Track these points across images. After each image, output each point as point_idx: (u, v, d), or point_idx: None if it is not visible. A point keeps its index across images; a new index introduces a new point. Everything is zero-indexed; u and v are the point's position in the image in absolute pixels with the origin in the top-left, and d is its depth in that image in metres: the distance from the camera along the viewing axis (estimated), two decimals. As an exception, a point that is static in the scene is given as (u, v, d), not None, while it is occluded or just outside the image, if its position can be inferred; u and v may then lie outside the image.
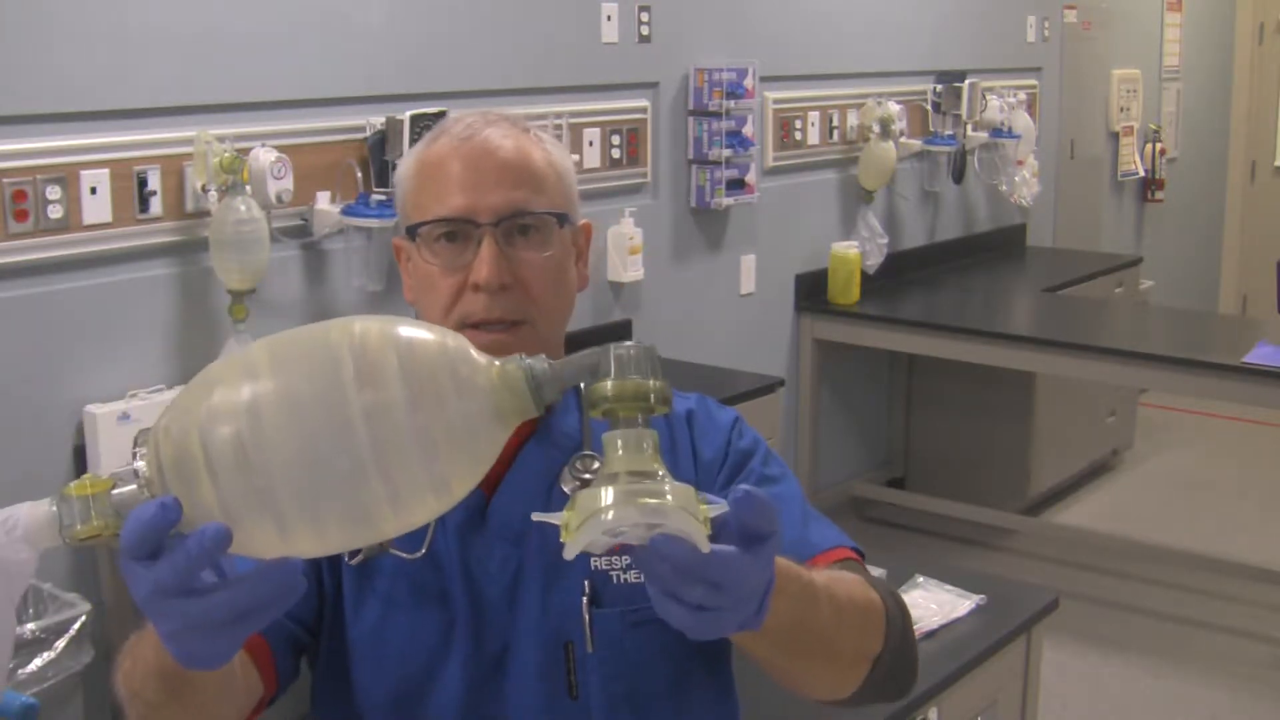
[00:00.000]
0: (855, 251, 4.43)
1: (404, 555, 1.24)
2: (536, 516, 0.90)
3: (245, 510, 0.82)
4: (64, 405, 2.64)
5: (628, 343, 0.89)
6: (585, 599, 1.22)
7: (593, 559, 1.22)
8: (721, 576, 0.87)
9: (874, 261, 4.54)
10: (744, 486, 0.88)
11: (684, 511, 0.83)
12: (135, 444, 0.86)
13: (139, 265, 2.73)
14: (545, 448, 1.28)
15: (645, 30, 3.78)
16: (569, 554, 0.84)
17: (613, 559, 1.23)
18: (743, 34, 4.09)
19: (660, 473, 0.85)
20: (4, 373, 2.55)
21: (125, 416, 2.64)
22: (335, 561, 1.28)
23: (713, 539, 0.85)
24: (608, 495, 0.83)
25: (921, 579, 2.24)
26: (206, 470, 0.82)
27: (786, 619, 1.02)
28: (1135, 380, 4.58)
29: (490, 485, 1.27)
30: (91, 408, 2.63)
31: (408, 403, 0.83)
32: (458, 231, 1.24)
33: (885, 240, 4.59)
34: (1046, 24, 5.60)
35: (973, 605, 2.16)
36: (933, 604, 2.16)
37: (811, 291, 4.46)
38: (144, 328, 2.75)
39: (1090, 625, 3.98)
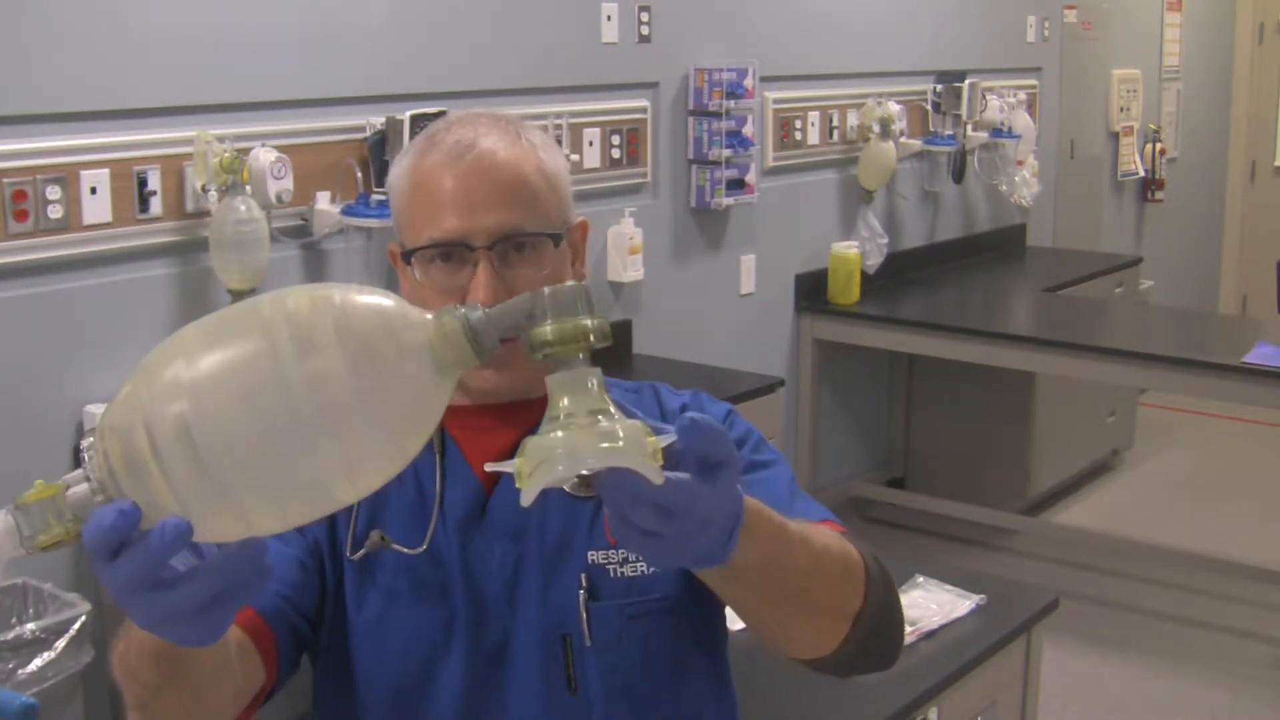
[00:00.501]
0: (855, 251, 4.43)
1: (405, 550, 1.25)
2: (489, 466, 0.91)
3: (201, 499, 0.81)
4: (64, 405, 2.64)
5: (561, 285, 0.89)
6: (583, 592, 1.23)
7: (590, 553, 1.24)
8: (673, 502, 0.87)
9: (874, 261, 4.54)
10: (690, 414, 0.88)
11: (633, 450, 0.84)
12: (81, 444, 0.84)
13: (139, 265, 2.73)
14: None
15: (645, 30, 3.78)
16: (525, 500, 0.84)
17: (609, 553, 1.24)
18: (743, 34, 4.09)
19: (608, 409, 0.86)
20: (4, 373, 2.55)
21: (125, 416, 2.64)
22: (337, 555, 1.28)
23: (670, 469, 0.86)
24: (557, 440, 0.83)
25: (921, 579, 2.24)
26: (155, 463, 0.81)
27: (758, 559, 1.01)
28: (1135, 380, 4.59)
29: (491, 481, 1.27)
30: (91, 408, 2.63)
31: (347, 367, 0.82)
32: (453, 253, 1.23)
33: (885, 240, 4.59)
34: (1046, 24, 5.60)
35: (973, 605, 2.16)
36: (933, 604, 2.16)
37: (811, 291, 4.46)
38: (144, 328, 2.75)
39: (1090, 625, 3.98)
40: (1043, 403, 4.73)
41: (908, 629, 2.05)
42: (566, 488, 0.88)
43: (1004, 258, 5.41)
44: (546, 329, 0.87)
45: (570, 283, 0.89)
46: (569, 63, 3.58)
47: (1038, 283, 5.00)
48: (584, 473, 0.86)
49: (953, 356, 4.32)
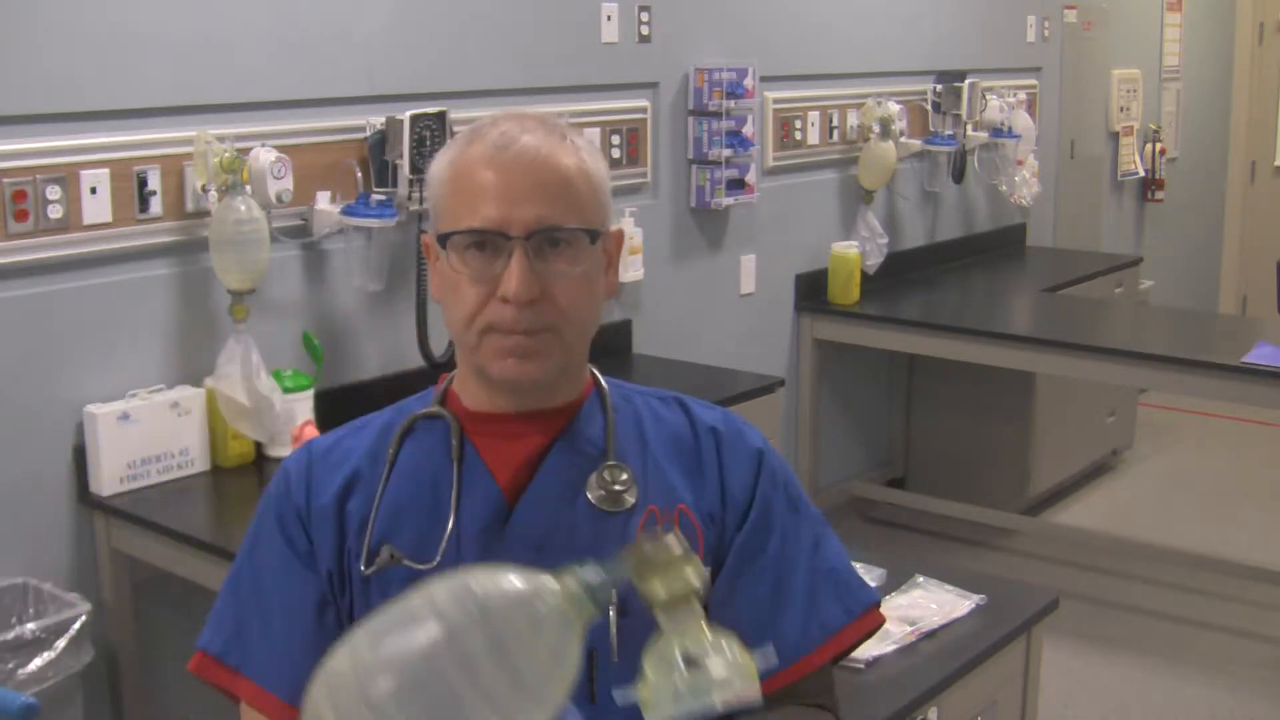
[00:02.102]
0: (855, 251, 4.43)
1: (416, 566, 1.25)
2: (617, 694, 1.03)
3: None
4: (64, 405, 2.64)
5: (655, 537, 1.03)
6: (612, 608, 1.21)
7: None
8: None
9: (874, 261, 4.54)
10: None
11: (729, 678, 1.00)
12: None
13: (139, 265, 2.73)
14: (570, 455, 1.27)
15: (645, 30, 3.78)
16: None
17: None
18: (743, 34, 4.09)
19: (711, 641, 1.01)
20: (4, 373, 2.55)
21: (125, 416, 2.64)
22: (345, 573, 1.28)
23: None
24: (671, 682, 1.00)
25: (921, 579, 2.23)
26: None
27: None
28: (1135, 380, 4.59)
29: (514, 493, 1.27)
30: (91, 408, 2.63)
31: (492, 645, 0.94)
32: (488, 242, 1.23)
33: (885, 240, 4.59)
34: (1046, 24, 5.60)
35: (973, 605, 2.16)
36: (933, 604, 2.15)
37: (811, 291, 4.46)
38: (144, 328, 2.75)
39: (1090, 625, 3.98)
40: (1043, 403, 4.73)
41: (908, 629, 2.06)
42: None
43: (1004, 258, 5.41)
44: (661, 591, 1.02)
45: (662, 534, 1.03)
46: (569, 63, 3.58)
47: (1038, 283, 5.00)
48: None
49: (953, 356, 4.32)
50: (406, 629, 0.96)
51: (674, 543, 1.03)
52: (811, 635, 1.28)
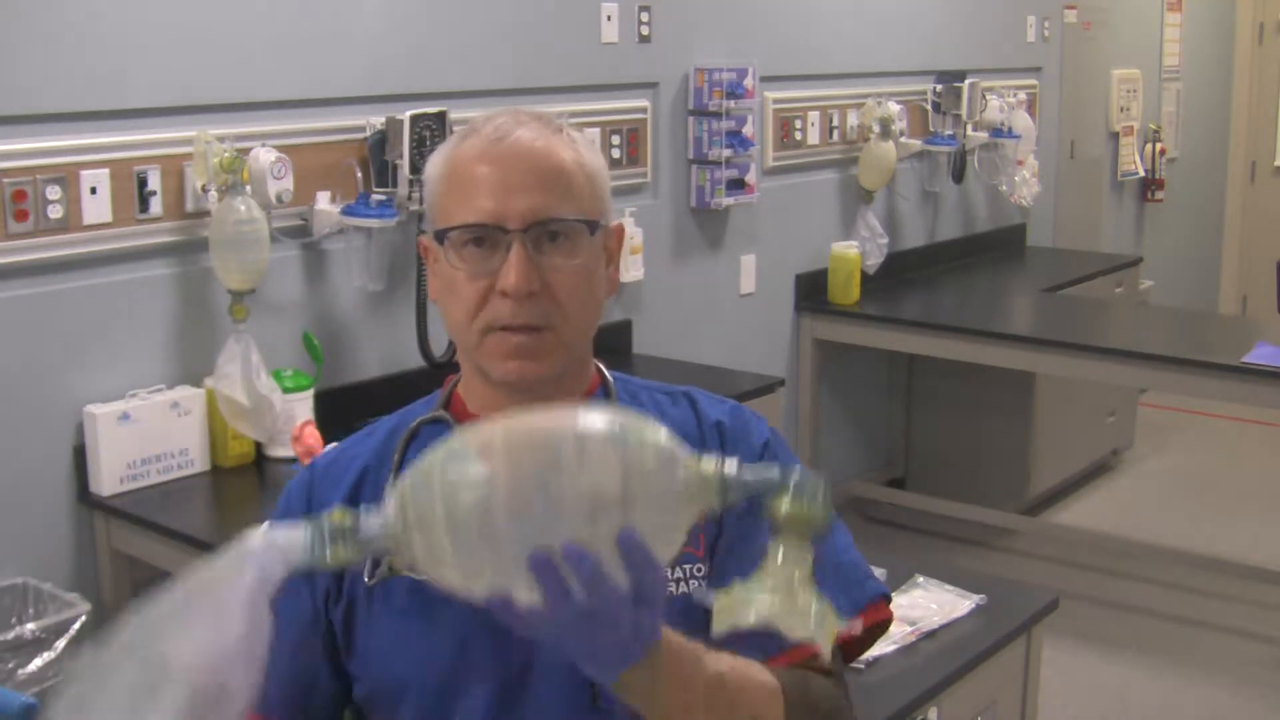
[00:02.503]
0: (855, 251, 4.43)
1: (416, 575, 1.23)
2: (699, 595, 1.10)
3: (473, 563, 0.98)
4: (64, 405, 2.64)
5: (807, 470, 1.02)
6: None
7: None
8: (598, 609, 0.97)
9: (874, 261, 4.54)
10: (630, 534, 0.97)
11: (812, 627, 1.00)
12: (386, 493, 1.03)
13: (139, 265, 2.73)
14: None
15: (645, 30, 3.78)
16: (715, 632, 1.02)
17: None
18: (743, 34, 4.09)
19: (803, 593, 1.01)
20: (4, 373, 2.55)
21: (125, 416, 2.64)
22: (342, 585, 1.28)
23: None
24: (756, 602, 1.00)
25: (921, 579, 2.24)
26: (447, 530, 0.97)
27: (646, 690, 1.07)
28: (1135, 380, 4.59)
29: None
30: (91, 408, 2.63)
31: (619, 480, 0.97)
32: (486, 237, 1.21)
33: (885, 240, 4.59)
34: (1046, 24, 5.60)
35: (973, 605, 2.16)
36: (933, 604, 2.16)
37: (811, 291, 4.46)
38: (144, 328, 2.75)
39: (1090, 625, 3.98)
40: (1043, 403, 4.72)
41: (908, 629, 2.06)
42: None
43: (1004, 258, 5.41)
44: (783, 506, 1.01)
45: (818, 473, 1.02)
46: (569, 63, 3.58)
47: (1038, 283, 5.00)
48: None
49: (953, 356, 4.32)
50: (544, 444, 0.98)
51: (821, 481, 1.03)
52: None
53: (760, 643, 1.15)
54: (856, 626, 1.27)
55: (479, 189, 1.21)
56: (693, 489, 1.00)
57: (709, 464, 1.01)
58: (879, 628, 1.35)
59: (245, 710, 0.99)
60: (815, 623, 1.00)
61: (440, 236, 1.24)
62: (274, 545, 1.00)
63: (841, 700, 1.25)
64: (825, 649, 1.00)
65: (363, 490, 1.31)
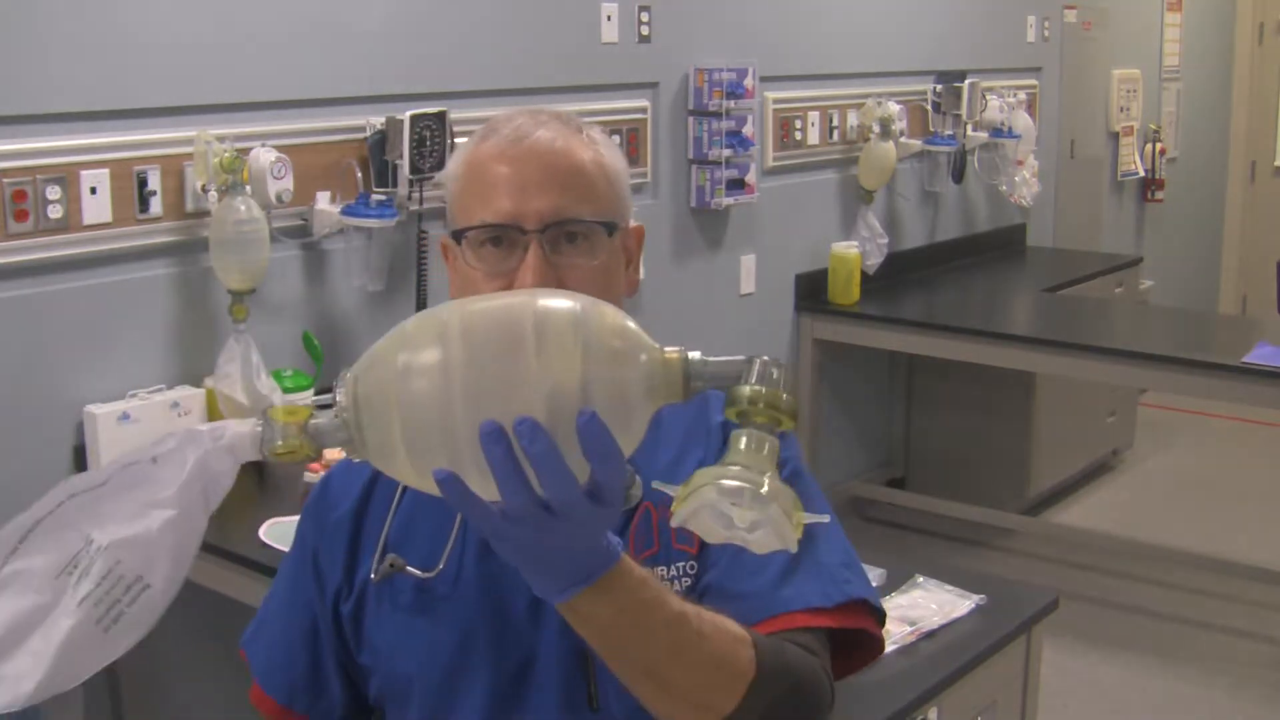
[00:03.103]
0: (855, 251, 4.42)
1: (419, 574, 1.26)
2: (656, 485, 0.98)
3: (425, 451, 0.94)
4: (64, 405, 2.64)
5: (771, 359, 0.99)
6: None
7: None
8: (559, 500, 0.93)
9: (874, 261, 4.54)
10: (591, 414, 0.92)
11: (782, 512, 0.93)
12: (335, 381, 0.98)
13: (139, 265, 2.73)
14: None
15: (645, 30, 3.78)
16: (674, 523, 0.94)
17: None
18: (743, 34, 4.09)
19: (770, 474, 0.94)
20: (4, 373, 2.55)
21: (125, 416, 2.64)
22: (352, 582, 1.30)
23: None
24: (723, 476, 0.93)
25: (921, 579, 2.24)
26: (399, 415, 0.94)
27: (604, 621, 1.03)
28: (1135, 380, 4.58)
29: None
30: (91, 408, 2.63)
31: (579, 360, 0.93)
32: (503, 236, 1.21)
33: (885, 240, 4.59)
34: (1046, 24, 5.60)
35: (973, 605, 2.16)
36: (933, 604, 2.16)
37: (811, 291, 4.46)
38: (144, 328, 2.75)
39: (1090, 625, 3.98)
40: (1043, 403, 4.72)
41: (908, 629, 2.06)
42: (706, 534, 0.96)
43: (1004, 258, 5.41)
44: (746, 390, 0.97)
45: (781, 362, 0.99)
46: (569, 63, 3.58)
47: (1038, 283, 5.00)
48: (729, 512, 0.94)
49: (953, 356, 4.32)
50: (501, 323, 0.95)
51: (785, 369, 0.99)
52: (772, 604, 1.20)
53: (738, 609, 1.14)
54: (823, 619, 1.20)
55: (497, 189, 1.21)
56: (655, 377, 0.96)
57: (673, 351, 0.98)
58: (867, 649, 1.27)
59: (164, 605, 0.99)
60: (779, 507, 0.93)
61: (458, 236, 1.23)
62: (219, 434, 0.98)
63: (821, 676, 1.19)
64: (791, 541, 0.93)
65: (371, 500, 1.32)
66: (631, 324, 0.98)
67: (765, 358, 0.98)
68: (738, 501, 0.93)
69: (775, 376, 0.97)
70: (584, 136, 1.25)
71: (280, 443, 0.98)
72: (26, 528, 0.99)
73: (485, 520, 0.95)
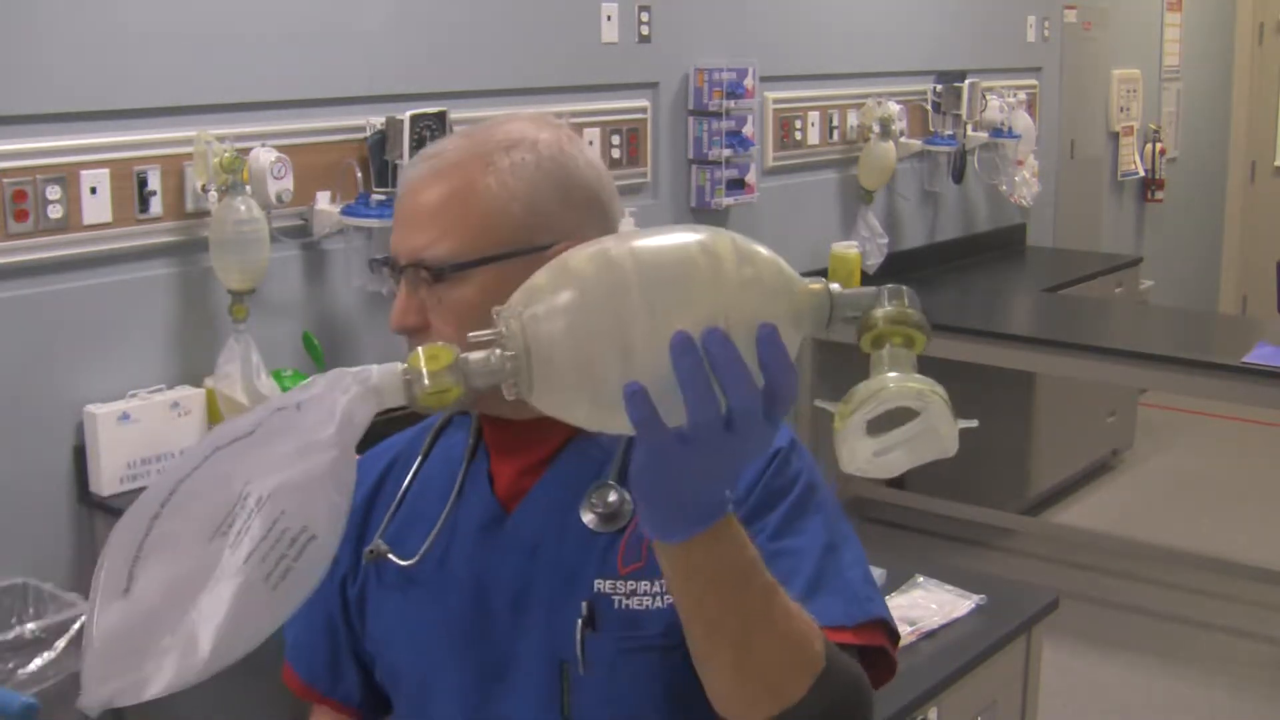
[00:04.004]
0: (855, 251, 4.43)
1: (399, 562, 1.27)
2: (819, 403, 1.00)
3: (601, 379, 0.92)
4: (64, 405, 2.64)
5: (895, 285, 1.00)
6: (580, 621, 1.20)
7: (597, 581, 1.20)
8: (698, 430, 0.91)
9: (874, 261, 4.54)
10: (770, 325, 0.93)
11: (946, 411, 0.95)
12: (495, 315, 0.94)
13: (139, 265, 2.73)
14: (576, 461, 1.25)
15: (645, 30, 3.78)
16: (838, 442, 0.95)
17: (617, 583, 1.20)
18: (743, 34, 4.09)
19: (920, 378, 0.96)
20: (4, 373, 2.55)
21: (125, 416, 2.64)
22: (358, 566, 1.32)
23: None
24: (884, 383, 0.95)
25: (921, 579, 2.24)
26: (570, 340, 0.92)
27: (709, 571, 1.00)
28: (1135, 380, 4.58)
29: (516, 497, 1.27)
30: (91, 408, 2.63)
31: (739, 288, 0.95)
32: (388, 264, 1.24)
33: (885, 240, 4.59)
34: (1046, 24, 5.60)
35: (973, 605, 2.16)
36: (933, 604, 2.16)
37: (811, 291, 4.46)
38: (144, 328, 2.75)
39: (1090, 625, 3.98)
40: (1043, 403, 4.73)
41: (908, 629, 2.06)
42: (864, 466, 0.97)
43: (1004, 258, 5.41)
44: (881, 311, 0.98)
45: (907, 287, 0.99)
46: (569, 63, 3.58)
47: (1038, 283, 5.00)
48: (887, 458, 0.95)
49: (953, 356, 4.31)
50: (666, 237, 0.96)
51: (915, 297, 1.00)
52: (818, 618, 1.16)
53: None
54: (846, 636, 1.18)
55: (398, 221, 1.23)
56: (804, 308, 0.99)
57: (817, 284, 1.00)
58: (881, 669, 1.25)
59: (330, 556, 0.92)
60: (945, 403, 0.95)
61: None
62: (365, 377, 0.92)
63: (869, 689, 1.19)
64: (953, 443, 0.96)
65: (388, 479, 1.35)
66: (781, 260, 1.00)
67: (891, 285, 0.99)
68: (920, 404, 0.95)
69: (905, 296, 0.99)
70: (480, 160, 1.20)
71: (429, 383, 0.92)
72: (169, 488, 0.93)
73: (661, 440, 0.92)
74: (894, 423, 0.95)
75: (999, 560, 4.48)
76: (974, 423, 0.97)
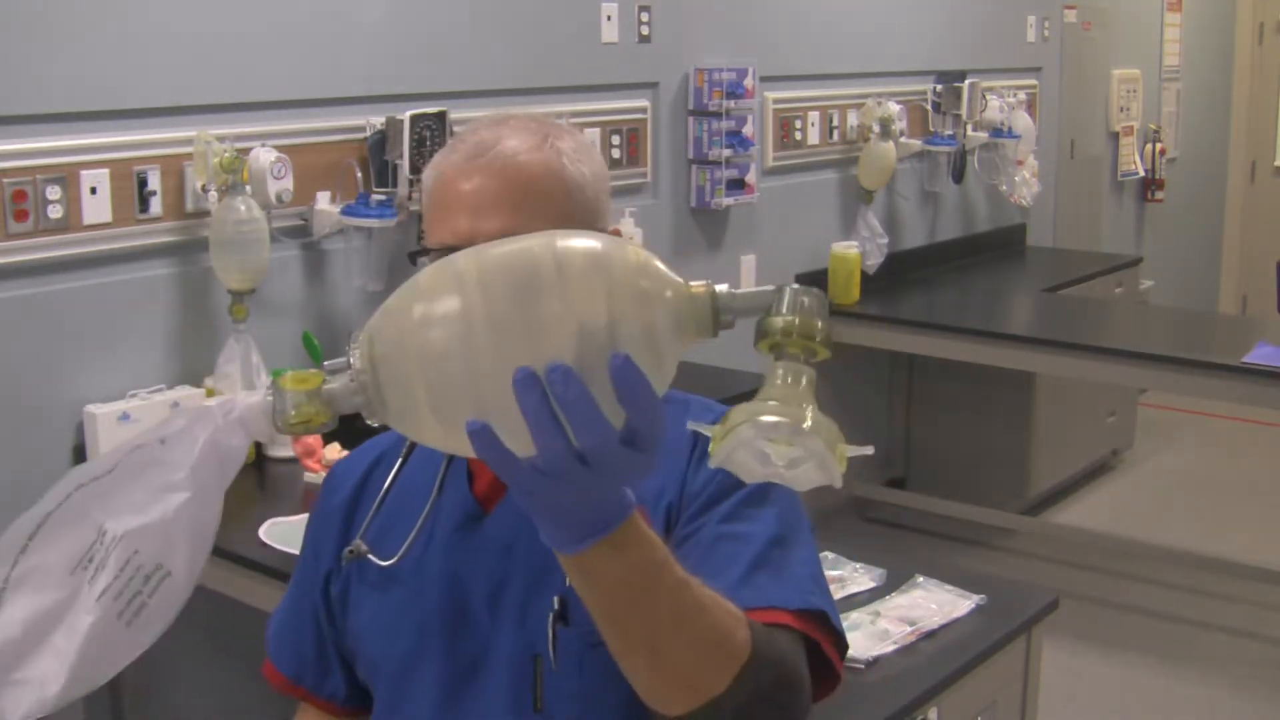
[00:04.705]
0: (855, 251, 4.42)
1: (379, 562, 1.29)
2: (691, 425, 0.94)
3: (450, 406, 0.89)
4: (64, 405, 2.64)
5: (801, 287, 0.94)
6: (552, 614, 1.21)
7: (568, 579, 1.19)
8: (592, 449, 0.88)
9: (874, 261, 4.54)
10: (623, 358, 0.88)
11: (824, 444, 0.88)
12: (349, 341, 0.93)
13: (139, 265, 2.73)
14: None
15: (645, 30, 3.78)
16: (712, 464, 0.89)
17: None
18: (743, 34, 4.09)
19: (813, 405, 0.91)
20: (4, 373, 2.55)
21: (125, 416, 2.64)
22: (340, 571, 1.34)
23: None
24: (758, 412, 0.89)
25: (921, 579, 2.23)
26: (419, 369, 0.89)
27: (611, 577, 0.98)
28: (1135, 380, 4.58)
29: (488, 495, 1.28)
30: (91, 408, 2.63)
31: (603, 301, 0.89)
32: None
33: (885, 240, 4.59)
34: (1046, 24, 5.60)
35: (973, 605, 2.16)
36: (933, 604, 2.15)
37: (811, 291, 4.46)
38: (144, 328, 2.75)
39: (1090, 625, 3.98)
40: (1043, 403, 4.72)
41: (908, 629, 2.06)
42: (743, 473, 0.92)
43: (1004, 258, 5.41)
44: (779, 320, 0.92)
45: (813, 289, 0.93)
46: (569, 63, 3.58)
47: (1038, 283, 5.00)
48: (769, 468, 0.89)
49: (953, 356, 4.31)
50: (518, 266, 0.90)
51: (818, 295, 0.94)
52: (735, 598, 1.12)
53: (733, 598, 1.09)
54: (782, 616, 1.16)
55: (454, 209, 1.20)
56: (684, 313, 0.92)
57: (699, 285, 0.93)
58: (822, 680, 1.19)
59: (186, 592, 0.94)
60: (822, 439, 0.88)
61: (414, 257, 1.23)
62: (229, 409, 0.93)
63: (805, 673, 1.14)
64: (836, 476, 0.88)
65: (371, 477, 1.36)
66: (655, 260, 0.94)
67: (795, 286, 0.94)
68: (776, 437, 0.88)
69: (808, 305, 0.93)
70: (549, 145, 1.22)
71: (293, 412, 0.92)
72: (36, 522, 0.96)
73: (514, 473, 0.90)
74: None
75: (999, 560, 4.48)
76: (868, 449, 0.93)
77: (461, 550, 1.27)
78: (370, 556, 1.29)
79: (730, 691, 1.05)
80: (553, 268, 0.90)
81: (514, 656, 1.24)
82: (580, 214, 1.22)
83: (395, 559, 1.28)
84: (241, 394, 0.94)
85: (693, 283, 0.93)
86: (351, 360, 0.92)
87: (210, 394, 2.76)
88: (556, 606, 1.22)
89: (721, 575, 1.15)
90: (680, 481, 1.24)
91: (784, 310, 0.92)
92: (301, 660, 1.39)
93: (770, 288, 0.94)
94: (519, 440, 0.89)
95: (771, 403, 0.89)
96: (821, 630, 1.19)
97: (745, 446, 0.89)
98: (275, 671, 1.41)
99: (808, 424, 0.88)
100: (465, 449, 0.90)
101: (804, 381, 0.92)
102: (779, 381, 0.91)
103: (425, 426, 0.92)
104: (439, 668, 1.26)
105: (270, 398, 0.94)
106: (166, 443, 0.94)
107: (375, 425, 0.94)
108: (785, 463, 0.89)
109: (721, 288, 0.93)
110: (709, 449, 0.90)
